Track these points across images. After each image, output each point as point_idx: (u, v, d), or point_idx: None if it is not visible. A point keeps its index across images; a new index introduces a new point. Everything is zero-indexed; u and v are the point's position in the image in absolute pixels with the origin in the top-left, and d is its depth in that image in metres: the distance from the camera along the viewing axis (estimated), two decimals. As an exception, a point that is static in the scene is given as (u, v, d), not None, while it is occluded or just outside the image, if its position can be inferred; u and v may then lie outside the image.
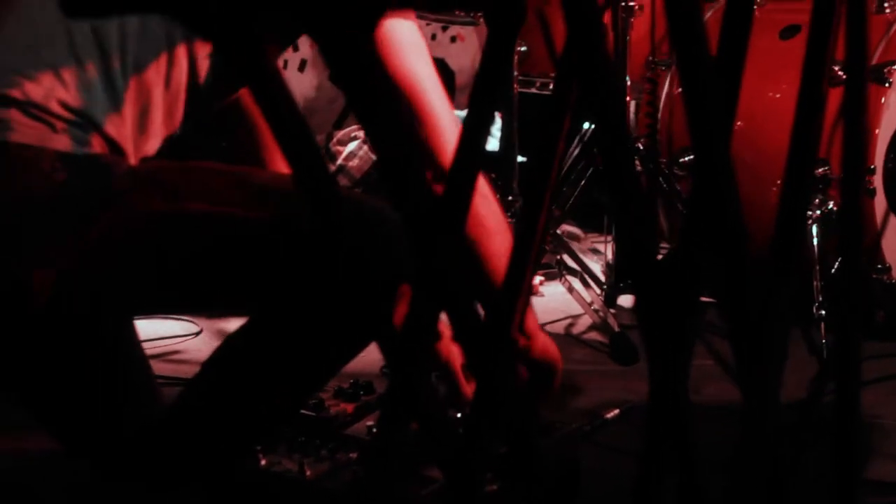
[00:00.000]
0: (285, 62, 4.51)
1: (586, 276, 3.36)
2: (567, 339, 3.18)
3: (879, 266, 3.14)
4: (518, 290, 0.93)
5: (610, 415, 2.51)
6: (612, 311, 3.18)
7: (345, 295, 1.64)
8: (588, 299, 3.30)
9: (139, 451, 1.79)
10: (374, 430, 1.97)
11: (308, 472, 1.84)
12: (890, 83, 3.13)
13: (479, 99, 0.84)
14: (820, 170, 3.08)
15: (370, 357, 1.89)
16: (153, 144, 1.80)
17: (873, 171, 3.11)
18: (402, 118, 1.81)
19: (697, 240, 0.86)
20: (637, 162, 3.37)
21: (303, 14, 0.78)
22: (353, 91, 0.80)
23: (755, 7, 3.37)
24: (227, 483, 1.85)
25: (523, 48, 3.74)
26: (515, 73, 3.54)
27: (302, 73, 4.58)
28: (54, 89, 1.67)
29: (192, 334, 3.14)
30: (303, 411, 1.98)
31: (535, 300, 3.38)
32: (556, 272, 3.47)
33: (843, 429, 0.93)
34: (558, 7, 0.79)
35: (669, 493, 0.88)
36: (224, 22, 0.76)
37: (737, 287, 0.85)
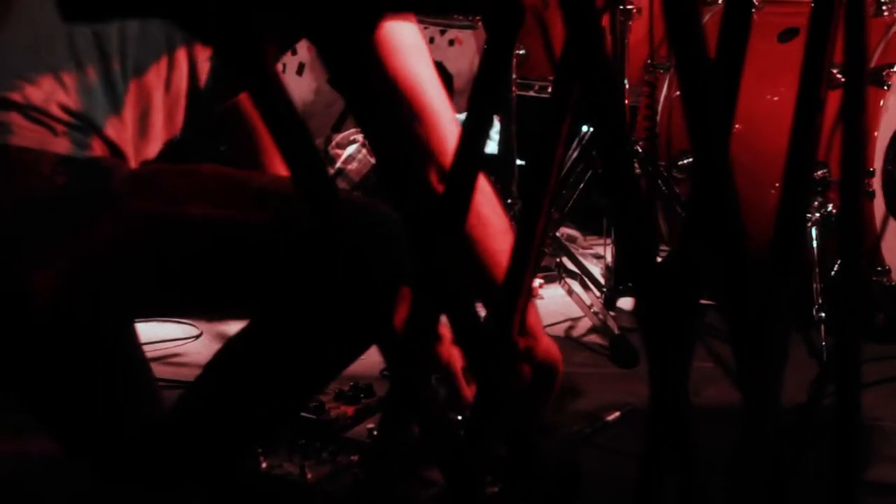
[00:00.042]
0: (283, 66, 4.51)
1: (586, 279, 3.36)
2: (567, 341, 3.18)
3: (879, 268, 3.14)
4: (518, 293, 0.94)
5: (610, 417, 2.51)
6: (611, 313, 3.19)
7: (345, 296, 1.65)
8: (588, 302, 3.30)
9: (140, 452, 1.79)
10: (375, 432, 1.97)
11: (309, 475, 1.84)
12: (888, 86, 3.13)
13: (478, 102, 0.85)
14: (819, 172, 3.08)
15: (370, 360, 1.89)
16: (154, 148, 1.81)
17: (872, 174, 3.11)
18: (402, 119, 1.82)
19: (697, 242, 0.86)
20: (636, 165, 3.37)
21: (301, 17, 0.79)
22: (351, 94, 0.80)
23: (753, 10, 3.37)
24: (227, 485, 1.85)
25: (522, 51, 3.74)
26: (514, 76, 3.54)
27: (300, 76, 4.59)
28: (55, 92, 1.68)
29: (192, 337, 3.14)
30: (303, 414, 1.98)
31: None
32: (556, 275, 3.47)
33: (844, 431, 0.93)
34: (557, 10, 0.79)
35: (670, 495, 0.88)
36: (222, 25, 0.76)
37: (736, 289, 0.85)
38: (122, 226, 1.67)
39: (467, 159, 0.85)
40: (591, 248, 4.08)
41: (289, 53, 4.43)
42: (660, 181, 3.38)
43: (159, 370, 2.49)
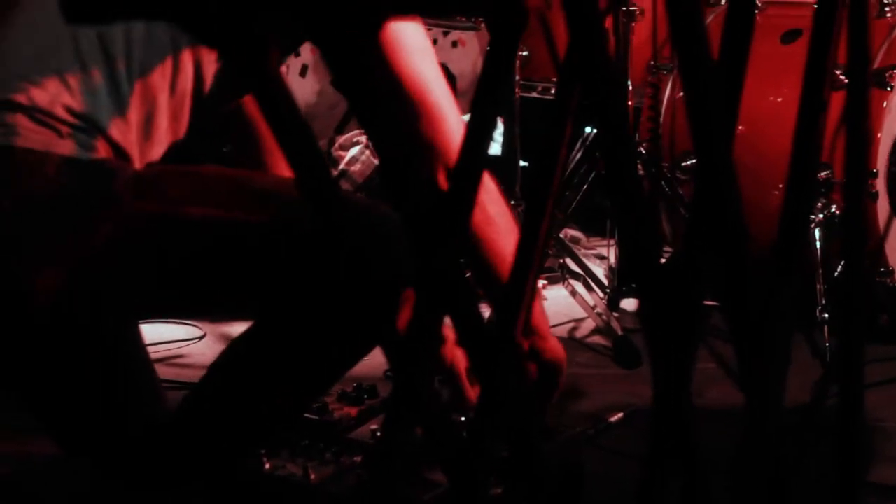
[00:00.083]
0: (287, 67, 4.51)
1: (589, 280, 3.36)
2: (570, 342, 3.18)
3: (882, 269, 3.14)
4: (521, 294, 0.94)
5: (613, 418, 2.51)
6: (615, 314, 3.18)
7: (347, 297, 1.65)
8: (591, 303, 3.30)
9: (143, 452, 1.79)
10: (378, 433, 1.97)
11: (312, 476, 1.84)
12: (892, 87, 3.13)
13: (482, 103, 0.85)
14: (822, 174, 3.08)
15: (374, 361, 1.90)
16: (158, 150, 1.81)
17: (876, 175, 3.11)
18: (409, 120, 1.82)
19: (700, 243, 0.86)
20: (639, 166, 3.37)
21: (304, 19, 0.79)
22: (355, 95, 0.80)
23: (756, 11, 3.37)
24: (231, 486, 1.85)
25: (525, 53, 3.74)
26: (517, 78, 3.54)
27: (303, 78, 4.59)
28: (60, 94, 1.68)
29: (196, 338, 3.14)
30: (307, 415, 1.98)
31: (538, 304, 3.37)
32: (559, 276, 3.47)
33: (846, 431, 0.93)
34: (560, 11, 0.79)
35: (673, 497, 0.88)
36: (225, 28, 0.76)
37: (739, 290, 0.85)
38: (123, 226, 1.68)
39: (471, 161, 0.85)
40: (594, 249, 4.08)
41: (292, 55, 4.43)
42: (663, 182, 3.38)
43: (163, 371, 2.49)
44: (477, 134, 0.85)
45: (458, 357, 1.91)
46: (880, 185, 3.13)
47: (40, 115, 1.66)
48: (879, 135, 3.12)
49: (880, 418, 2.54)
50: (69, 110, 1.68)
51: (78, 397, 1.78)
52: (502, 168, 3.50)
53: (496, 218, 1.90)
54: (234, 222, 1.70)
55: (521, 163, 3.58)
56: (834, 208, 3.09)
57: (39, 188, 1.65)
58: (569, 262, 3.47)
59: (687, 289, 0.86)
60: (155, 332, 2.95)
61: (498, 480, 1.70)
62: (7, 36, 1.73)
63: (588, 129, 3.54)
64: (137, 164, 1.76)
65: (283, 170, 2.04)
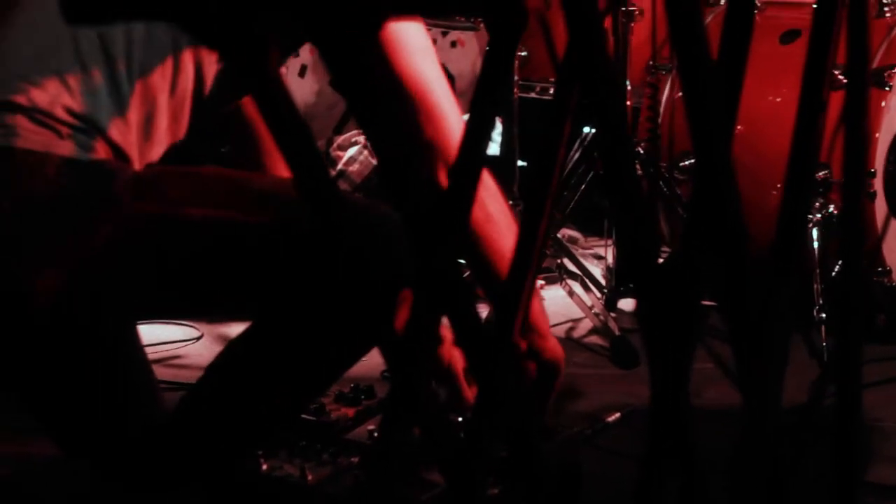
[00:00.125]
0: (285, 67, 4.51)
1: (587, 280, 3.36)
2: (568, 342, 3.18)
3: (880, 269, 3.14)
4: (519, 295, 0.94)
5: (611, 418, 2.51)
6: (612, 314, 3.19)
7: (346, 297, 1.65)
8: (588, 303, 3.30)
9: (141, 452, 1.79)
10: (376, 434, 1.97)
11: (309, 477, 1.84)
12: (890, 87, 3.13)
13: (481, 103, 0.85)
14: (820, 173, 3.08)
15: (371, 361, 1.90)
16: (158, 151, 1.81)
17: (874, 175, 3.11)
18: (410, 119, 1.82)
19: (698, 243, 0.86)
20: (637, 166, 3.37)
21: (303, 19, 0.79)
22: (353, 96, 0.80)
23: (755, 12, 3.37)
24: (228, 487, 1.85)
25: (524, 53, 3.74)
26: (516, 78, 3.54)
27: (302, 78, 4.59)
28: (60, 95, 1.68)
29: (193, 339, 3.14)
30: (304, 416, 1.98)
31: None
32: (557, 276, 3.47)
33: (844, 431, 0.93)
34: (559, 12, 0.79)
35: (671, 497, 0.88)
36: (225, 27, 0.76)
37: (737, 289, 0.85)
38: (123, 227, 1.68)
39: (469, 161, 0.85)
40: (591, 249, 4.08)
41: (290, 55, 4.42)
42: (661, 182, 3.38)
43: (160, 372, 2.49)
44: (476, 134, 0.85)
45: (455, 357, 1.91)
46: (878, 184, 3.14)
47: (40, 116, 1.66)
48: (877, 134, 3.13)
49: (878, 418, 2.54)
50: (69, 111, 1.68)
51: (76, 398, 1.78)
52: (500, 168, 3.50)
53: (496, 216, 1.90)
54: (233, 223, 1.70)
55: (520, 163, 3.58)
56: (832, 208, 3.09)
57: (39, 189, 1.65)
58: (566, 262, 3.47)
59: (685, 289, 0.86)
60: (152, 333, 2.95)
61: (496, 480, 1.70)
62: (7, 36, 1.73)
63: (586, 129, 3.55)
64: (137, 165, 1.76)
65: (282, 170, 2.04)
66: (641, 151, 3.41)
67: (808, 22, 0.94)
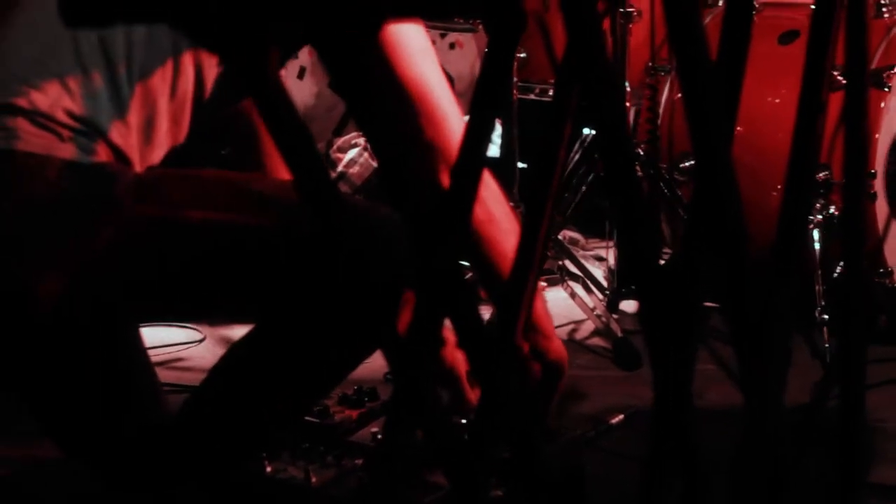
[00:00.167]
0: (285, 69, 4.50)
1: (588, 282, 3.36)
2: (570, 344, 3.17)
3: (881, 270, 3.14)
4: (521, 296, 0.94)
5: (614, 420, 2.51)
6: (614, 316, 3.18)
7: (347, 299, 1.65)
8: (590, 304, 3.30)
9: (144, 455, 1.79)
10: (379, 436, 1.97)
11: (313, 479, 1.84)
12: (889, 87, 3.13)
13: (480, 105, 0.85)
14: (821, 174, 3.08)
15: (374, 363, 1.89)
16: (159, 153, 1.81)
17: (874, 176, 3.11)
18: (411, 121, 1.82)
19: (699, 244, 0.86)
20: (638, 167, 3.37)
21: (302, 21, 0.79)
22: (353, 97, 0.80)
23: (754, 12, 3.37)
24: (231, 489, 1.85)
25: (523, 54, 3.74)
26: (515, 80, 3.54)
27: (301, 80, 4.59)
28: (60, 98, 1.68)
29: (196, 341, 3.14)
30: (307, 418, 1.98)
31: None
32: (559, 278, 3.47)
33: (847, 432, 0.93)
34: (558, 13, 0.79)
35: (674, 498, 0.88)
36: (224, 30, 0.76)
37: (738, 291, 0.85)
38: (124, 230, 1.68)
39: (470, 163, 0.85)
40: (593, 251, 4.08)
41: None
42: (661, 183, 3.38)
43: (163, 374, 2.49)
44: (476, 136, 0.85)
45: (458, 359, 1.91)
46: (878, 185, 3.13)
47: (41, 119, 1.67)
48: (877, 135, 3.13)
49: (881, 419, 2.54)
50: (70, 114, 1.68)
51: (79, 400, 1.78)
52: (501, 170, 3.50)
53: (499, 217, 1.90)
54: (233, 226, 1.70)
55: (520, 164, 3.57)
56: (832, 209, 3.09)
57: (40, 192, 1.65)
58: (568, 263, 3.47)
59: (686, 290, 0.86)
60: (155, 336, 2.95)
61: (499, 482, 1.70)
62: (7, 38, 1.73)
63: (586, 131, 3.55)
64: (138, 168, 1.76)
65: (283, 172, 2.04)
66: (641, 153, 3.41)
67: (807, 23, 0.94)
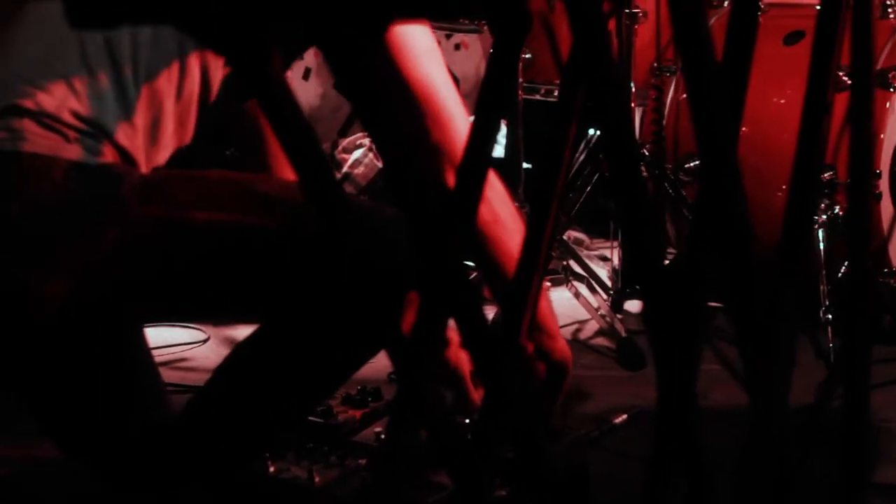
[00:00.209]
0: (290, 70, 4.50)
1: (592, 282, 3.36)
2: (574, 344, 3.17)
3: (886, 270, 3.14)
4: (525, 297, 0.94)
5: (618, 420, 2.51)
6: (618, 316, 3.18)
7: (352, 300, 1.65)
8: (595, 305, 3.30)
9: (148, 455, 1.79)
10: (383, 436, 1.97)
11: (317, 479, 1.84)
12: (895, 88, 3.13)
13: (486, 106, 0.85)
14: (826, 175, 3.08)
15: (378, 363, 1.90)
16: (164, 154, 1.81)
17: (879, 176, 3.11)
18: (417, 122, 1.82)
19: (704, 245, 0.86)
20: (643, 168, 3.37)
21: (307, 21, 0.79)
22: (358, 98, 0.80)
23: (759, 13, 3.37)
24: (235, 489, 1.85)
25: (528, 55, 3.74)
26: (520, 80, 3.54)
27: (306, 81, 4.59)
28: (67, 99, 1.68)
29: (200, 342, 3.14)
30: (311, 418, 1.98)
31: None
32: (563, 278, 3.47)
33: (852, 432, 0.93)
34: (563, 14, 0.79)
35: (678, 498, 0.88)
36: (228, 30, 0.76)
37: (743, 291, 0.85)
38: (130, 231, 1.68)
39: (475, 164, 0.85)
40: (597, 251, 4.08)
41: (294, 58, 4.42)
42: (666, 184, 3.38)
43: (167, 374, 2.50)
44: (481, 137, 0.85)
45: (462, 360, 1.91)
46: (884, 185, 3.13)
47: (47, 120, 1.67)
48: (882, 136, 3.12)
49: (885, 419, 2.54)
50: (76, 115, 1.68)
51: (84, 401, 1.78)
52: (505, 170, 3.50)
53: (504, 218, 1.90)
54: (239, 226, 1.70)
55: (525, 165, 3.57)
56: (837, 209, 3.09)
57: (47, 193, 1.65)
58: (572, 263, 3.47)
59: (691, 290, 0.86)
60: (159, 336, 2.96)
61: (503, 482, 1.70)
62: (13, 39, 1.73)
63: (592, 131, 3.55)
64: (143, 169, 1.76)
65: (287, 173, 2.04)
66: (646, 153, 3.41)
67: (812, 23, 0.94)
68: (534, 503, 0.91)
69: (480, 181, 0.86)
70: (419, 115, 1.83)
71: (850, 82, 0.93)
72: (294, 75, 4.51)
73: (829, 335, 2.88)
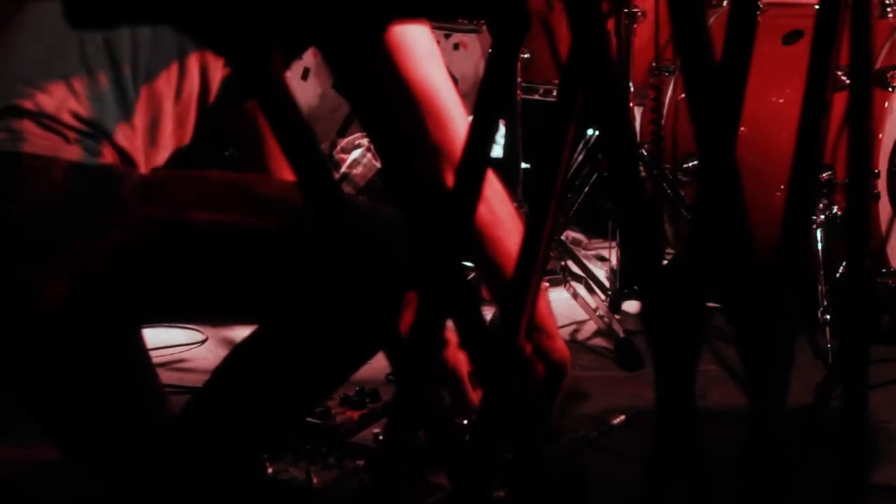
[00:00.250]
0: (289, 70, 4.50)
1: (591, 282, 3.36)
2: (572, 345, 3.17)
3: (884, 270, 3.14)
4: (524, 297, 0.94)
5: (616, 420, 2.51)
6: (616, 316, 3.18)
7: (350, 300, 1.65)
8: (593, 305, 3.30)
9: (146, 456, 1.79)
10: (381, 437, 1.97)
11: (315, 480, 1.84)
12: (893, 87, 3.13)
13: (485, 106, 0.85)
14: (824, 174, 3.08)
15: (376, 364, 1.89)
16: (163, 155, 1.81)
17: (878, 176, 3.11)
18: (417, 123, 1.82)
19: (703, 245, 0.86)
20: (641, 168, 3.37)
21: (306, 21, 0.79)
22: (356, 98, 0.80)
23: (758, 12, 3.37)
24: (233, 490, 1.85)
25: (526, 55, 3.74)
26: (519, 80, 3.54)
27: (305, 81, 4.59)
28: (66, 100, 1.68)
29: (198, 342, 3.14)
30: (309, 419, 1.98)
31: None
32: (561, 278, 3.47)
33: (850, 433, 0.93)
34: (562, 14, 0.79)
35: (677, 499, 0.88)
36: (227, 30, 0.76)
37: (742, 291, 0.85)
38: (129, 231, 1.68)
39: (473, 164, 0.85)
40: (595, 251, 4.08)
41: (293, 58, 4.42)
42: (665, 184, 3.38)
43: (164, 375, 2.49)
44: (479, 137, 0.85)
45: (460, 360, 1.91)
46: (882, 185, 3.13)
47: (47, 121, 1.67)
48: (881, 135, 3.13)
49: (884, 419, 2.54)
50: (75, 116, 1.68)
51: (83, 401, 1.78)
52: (504, 170, 3.49)
53: (503, 218, 1.90)
54: (238, 227, 1.70)
55: (524, 165, 3.57)
56: (836, 209, 3.09)
57: (46, 194, 1.65)
58: (570, 264, 3.47)
59: (689, 291, 0.86)
60: (157, 337, 2.95)
61: (501, 483, 1.70)
62: (13, 40, 1.73)
63: (590, 131, 3.55)
64: (143, 170, 1.76)
65: (286, 173, 2.04)
66: (645, 153, 3.41)
67: (811, 22, 0.94)
68: (532, 503, 0.91)
69: (479, 181, 0.86)
70: (418, 115, 1.83)
71: (848, 82, 0.93)
72: (293, 75, 4.51)
73: (828, 335, 2.88)
